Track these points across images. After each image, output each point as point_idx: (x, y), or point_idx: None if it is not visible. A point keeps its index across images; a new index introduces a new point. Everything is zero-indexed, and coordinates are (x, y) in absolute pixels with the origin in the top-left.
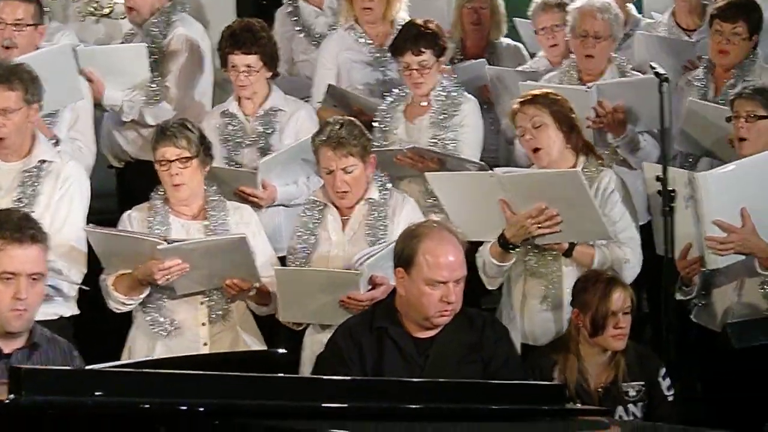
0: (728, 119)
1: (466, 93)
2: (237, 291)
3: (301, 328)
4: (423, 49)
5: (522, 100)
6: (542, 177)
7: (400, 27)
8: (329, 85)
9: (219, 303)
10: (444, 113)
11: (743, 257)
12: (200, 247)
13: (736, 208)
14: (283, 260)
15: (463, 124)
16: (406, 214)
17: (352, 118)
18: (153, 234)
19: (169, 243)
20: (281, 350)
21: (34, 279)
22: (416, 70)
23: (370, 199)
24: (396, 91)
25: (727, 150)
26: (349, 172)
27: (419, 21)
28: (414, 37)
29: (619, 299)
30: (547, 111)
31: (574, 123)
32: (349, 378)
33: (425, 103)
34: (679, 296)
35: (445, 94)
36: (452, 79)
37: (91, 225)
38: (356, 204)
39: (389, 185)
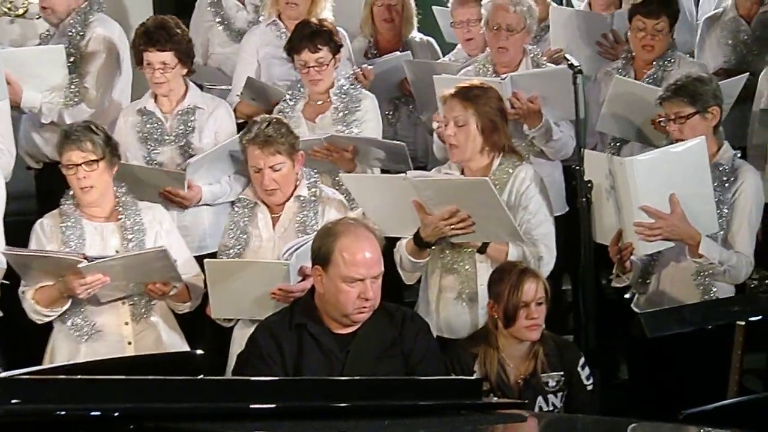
0: (659, 121)
1: (363, 89)
2: (159, 294)
3: (231, 325)
4: (320, 46)
5: (453, 91)
6: (453, 184)
7: None
8: (248, 78)
9: (141, 302)
10: (345, 110)
11: (672, 244)
12: (121, 262)
13: (664, 194)
14: (205, 259)
15: (364, 119)
16: (335, 210)
17: (279, 117)
18: (69, 246)
19: (89, 260)
20: (199, 351)
21: None
22: (313, 67)
23: (300, 196)
24: (291, 91)
25: (654, 133)
26: (277, 170)
27: (314, 20)
28: (310, 35)
29: (530, 290)
30: (472, 110)
31: (498, 123)
32: (264, 379)
33: (321, 102)
34: (615, 284)
35: (343, 91)
36: (348, 77)
37: (7, 247)
38: (286, 201)
39: (318, 183)
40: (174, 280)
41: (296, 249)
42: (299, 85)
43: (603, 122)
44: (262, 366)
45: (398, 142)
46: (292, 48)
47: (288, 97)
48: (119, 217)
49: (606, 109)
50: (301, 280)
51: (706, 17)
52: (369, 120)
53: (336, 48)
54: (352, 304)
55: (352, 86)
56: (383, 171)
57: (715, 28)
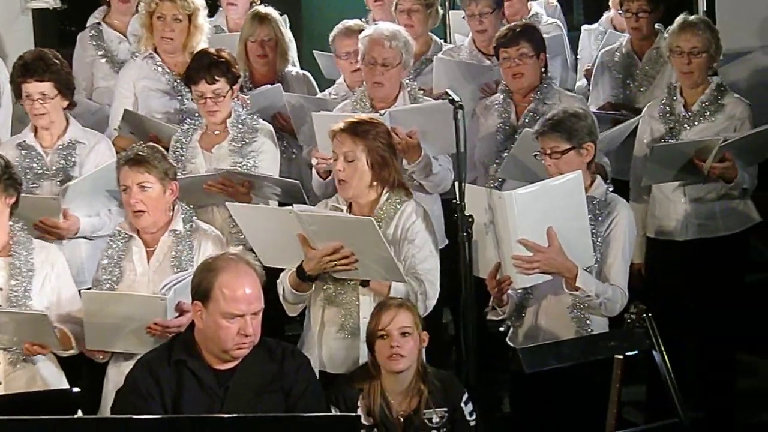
0: (536, 155)
1: (260, 120)
2: (35, 354)
3: (105, 360)
4: (217, 78)
5: (343, 126)
6: (338, 220)
7: None
8: (125, 110)
9: (17, 351)
10: (242, 140)
11: (549, 277)
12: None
13: (542, 227)
14: (82, 290)
15: (261, 150)
16: (211, 245)
17: (157, 145)
18: None
19: None
20: (75, 389)
21: None
22: (210, 98)
23: (176, 230)
24: (188, 120)
25: None
26: (145, 190)
27: (212, 50)
28: (207, 66)
29: (388, 318)
30: (362, 145)
31: (388, 159)
32: (142, 417)
33: (218, 132)
34: (491, 317)
35: (240, 121)
36: (246, 106)
37: None
38: (161, 235)
39: (194, 217)
40: (51, 345)
41: (175, 284)
42: (197, 115)
43: (506, 170)
44: (140, 403)
45: (294, 181)
46: (190, 78)
47: (186, 126)
48: (10, 252)
49: (509, 160)
50: (178, 316)
51: (603, 51)
52: (266, 151)
53: (234, 79)
54: (232, 340)
55: (249, 116)
56: (280, 203)
57: (610, 62)
